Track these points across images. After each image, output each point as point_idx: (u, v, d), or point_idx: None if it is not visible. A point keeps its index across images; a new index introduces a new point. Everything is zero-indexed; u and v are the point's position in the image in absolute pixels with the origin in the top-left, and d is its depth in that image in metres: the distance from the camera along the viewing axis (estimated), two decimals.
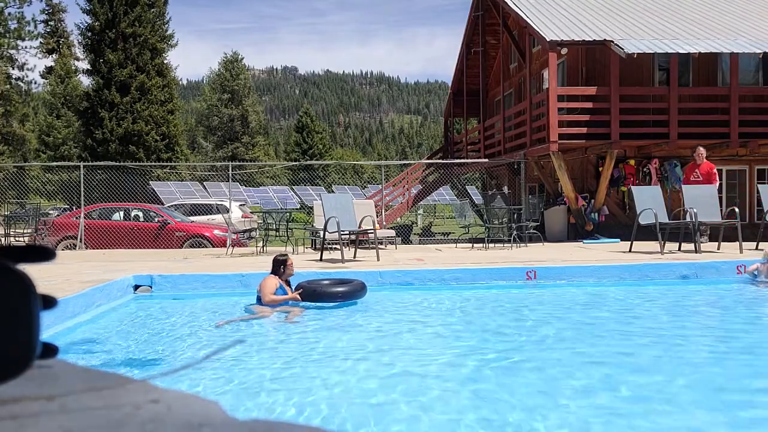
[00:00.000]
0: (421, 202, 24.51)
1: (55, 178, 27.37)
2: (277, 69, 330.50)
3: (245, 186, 30.22)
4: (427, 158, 33.26)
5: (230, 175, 14.63)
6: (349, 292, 5.97)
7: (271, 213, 11.75)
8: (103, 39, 31.47)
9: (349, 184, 41.59)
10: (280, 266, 5.94)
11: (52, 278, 6.26)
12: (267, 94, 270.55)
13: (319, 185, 34.29)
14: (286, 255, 6.20)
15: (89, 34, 32.09)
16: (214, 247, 12.62)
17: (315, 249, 11.33)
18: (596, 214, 13.21)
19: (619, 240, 12.17)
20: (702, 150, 11.23)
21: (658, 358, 4.04)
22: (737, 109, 12.95)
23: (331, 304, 5.92)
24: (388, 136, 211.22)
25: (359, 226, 9.46)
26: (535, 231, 11.89)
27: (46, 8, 40.19)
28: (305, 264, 8.03)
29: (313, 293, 5.90)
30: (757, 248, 9.10)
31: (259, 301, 5.74)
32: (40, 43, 38.39)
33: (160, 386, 0.50)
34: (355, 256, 9.10)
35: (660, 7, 16.27)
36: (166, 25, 34.06)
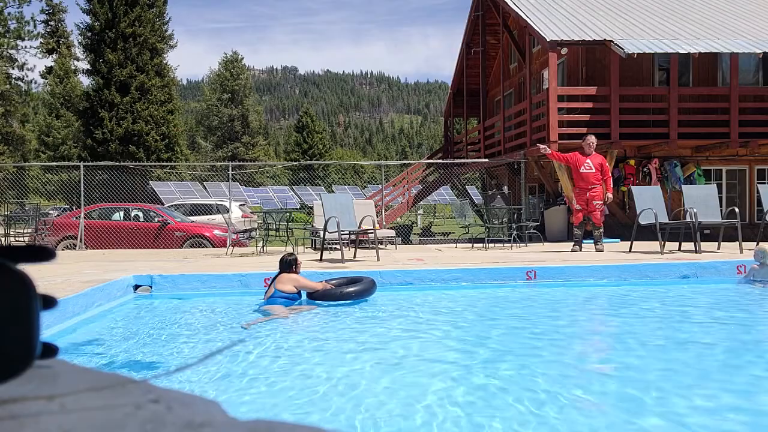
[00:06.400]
0: (421, 202, 24.52)
1: (55, 178, 27.38)
2: (276, 69, 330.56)
3: (245, 186, 30.24)
4: (427, 158, 33.25)
5: (230, 175, 14.63)
6: (362, 290, 6.02)
7: (271, 213, 11.75)
8: (103, 39, 31.49)
9: (349, 184, 41.58)
10: (291, 266, 5.98)
11: (52, 278, 6.26)
12: (267, 94, 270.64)
13: (319, 185, 34.29)
14: (294, 254, 6.23)
15: (89, 34, 32.11)
16: (214, 247, 12.63)
17: (315, 249, 11.33)
18: None
19: (619, 240, 12.17)
20: (592, 139, 9.93)
21: (660, 358, 4.04)
22: (737, 109, 12.96)
23: (334, 303, 5.93)
24: (388, 136, 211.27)
25: (359, 226, 9.46)
26: (535, 231, 11.89)
27: (46, 8, 40.19)
28: (305, 264, 8.02)
29: (325, 293, 5.96)
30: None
31: (270, 301, 5.75)
32: (40, 43, 38.39)
33: (160, 386, 0.50)
34: (355, 256, 9.10)
35: (660, 7, 16.27)
36: (166, 26, 34.09)
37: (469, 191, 23.28)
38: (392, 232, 12.52)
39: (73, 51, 40.51)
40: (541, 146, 10.14)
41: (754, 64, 14.66)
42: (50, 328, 4.45)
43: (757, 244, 7.64)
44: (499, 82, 21.26)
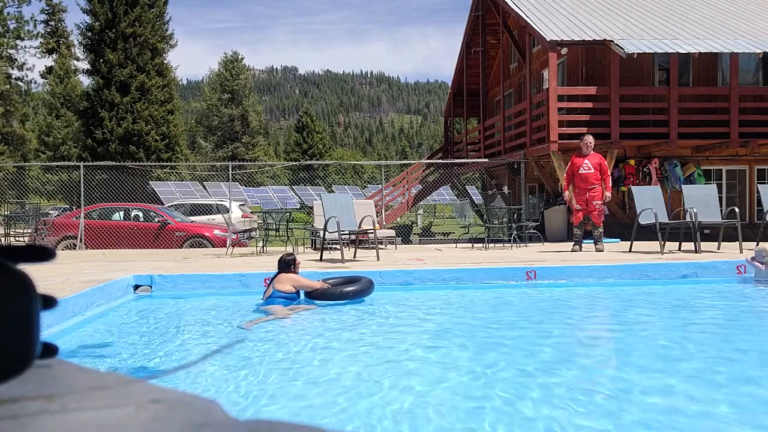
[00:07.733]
0: (421, 202, 24.52)
1: (55, 178, 27.38)
2: (277, 69, 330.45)
3: (245, 186, 30.23)
4: (427, 158, 33.26)
5: (230, 175, 14.63)
6: (359, 290, 6.03)
7: (271, 213, 11.75)
8: (103, 39, 31.49)
9: (349, 184, 41.58)
10: (290, 266, 5.99)
11: (52, 278, 6.26)
12: (267, 94, 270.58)
13: (319, 185, 34.30)
14: (293, 254, 6.24)
15: (89, 34, 32.12)
16: (214, 247, 12.63)
17: (315, 249, 11.33)
18: None
19: (619, 240, 12.17)
20: (590, 138, 9.89)
21: (660, 358, 4.04)
22: (737, 109, 12.95)
23: (333, 302, 5.94)
24: (388, 136, 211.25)
25: (359, 226, 9.46)
26: (535, 231, 11.89)
27: (46, 8, 40.19)
28: (305, 264, 8.02)
29: (323, 292, 5.97)
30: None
31: (269, 301, 5.75)
32: (40, 43, 38.38)
33: (160, 386, 0.50)
34: (355, 256, 9.10)
35: (660, 7, 16.27)
36: (166, 26, 34.09)
37: (469, 191, 23.27)
38: (392, 232, 12.52)
39: (73, 51, 40.51)
40: (565, 196, 10.24)
41: (754, 64, 14.65)
42: (50, 328, 4.45)
43: (757, 244, 7.64)
44: (499, 82, 21.26)
